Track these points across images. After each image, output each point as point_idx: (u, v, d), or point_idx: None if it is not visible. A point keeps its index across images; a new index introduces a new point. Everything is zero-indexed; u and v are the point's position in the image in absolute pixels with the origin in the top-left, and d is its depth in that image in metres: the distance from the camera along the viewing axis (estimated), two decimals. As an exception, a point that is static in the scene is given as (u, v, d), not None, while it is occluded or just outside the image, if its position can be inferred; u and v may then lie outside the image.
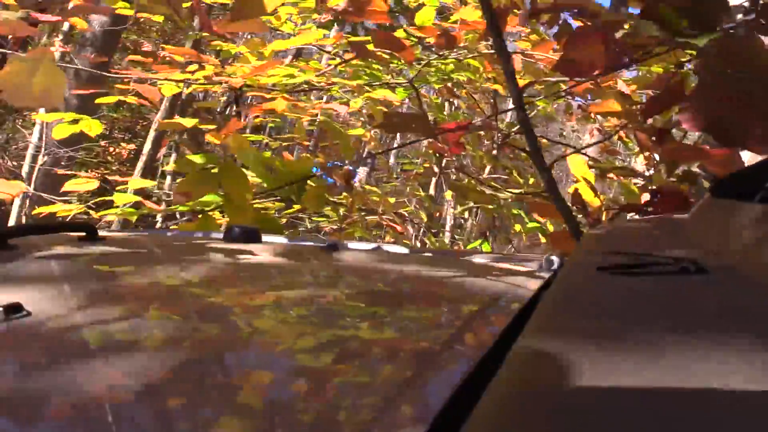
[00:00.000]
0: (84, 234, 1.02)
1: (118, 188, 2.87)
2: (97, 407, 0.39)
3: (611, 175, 3.04)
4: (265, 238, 1.18)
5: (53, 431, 0.37)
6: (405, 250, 1.37)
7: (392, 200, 3.34)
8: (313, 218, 3.98)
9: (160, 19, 3.00)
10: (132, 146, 8.26)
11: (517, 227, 3.28)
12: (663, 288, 0.53)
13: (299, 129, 2.53)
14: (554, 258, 0.85)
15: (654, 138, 2.35)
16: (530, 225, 3.37)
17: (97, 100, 2.94)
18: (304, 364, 0.48)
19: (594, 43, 1.77)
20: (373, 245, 1.26)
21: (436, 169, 3.91)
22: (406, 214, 3.28)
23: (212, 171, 1.94)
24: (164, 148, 5.21)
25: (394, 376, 0.45)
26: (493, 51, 3.00)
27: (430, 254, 1.36)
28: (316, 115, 2.64)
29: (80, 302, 0.64)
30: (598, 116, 4.94)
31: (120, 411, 0.39)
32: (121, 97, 2.68)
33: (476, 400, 0.33)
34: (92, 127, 2.45)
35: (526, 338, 0.43)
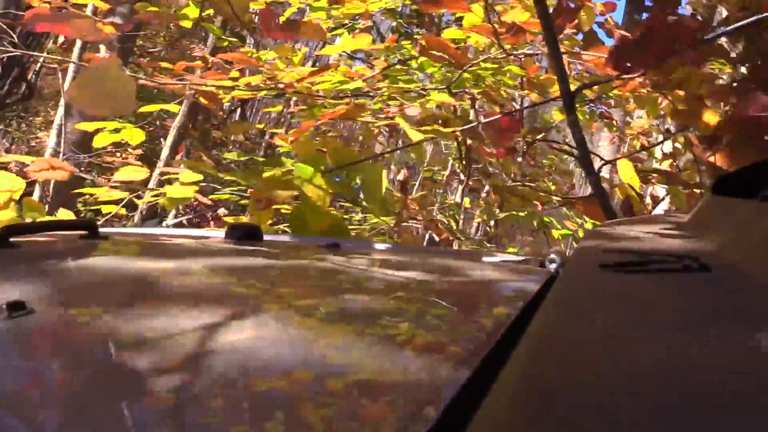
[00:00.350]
0: (86, 232, 1.02)
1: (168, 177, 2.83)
2: (100, 404, 0.39)
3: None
4: (266, 237, 1.17)
5: (55, 429, 0.36)
6: (407, 249, 1.36)
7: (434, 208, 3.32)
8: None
9: (188, 24, 2.95)
10: (139, 151, 8.17)
11: (555, 233, 3.27)
12: (666, 286, 0.53)
13: (367, 133, 2.47)
14: (555, 256, 0.85)
15: (706, 143, 2.33)
16: (562, 231, 3.35)
17: (141, 109, 2.88)
18: (304, 361, 0.47)
19: (666, 31, 1.75)
20: (376, 244, 1.23)
21: (462, 177, 3.88)
22: (446, 221, 3.25)
23: (283, 175, 1.91)
24: (181, 153, 5.15)
25: (396, 374, 0.44)
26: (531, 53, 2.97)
27: (432, 253, 1.35)
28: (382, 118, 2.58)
29: (83, 300, 0.64)
30: (619, 123, 4.94)
31: (127, 408, 0.38)
32: (164, 106, 2.63)
33: (480, 399, 0.33)
34: (134, 135, 2.41)
35: (532, 336, 0.42)
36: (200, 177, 2.35)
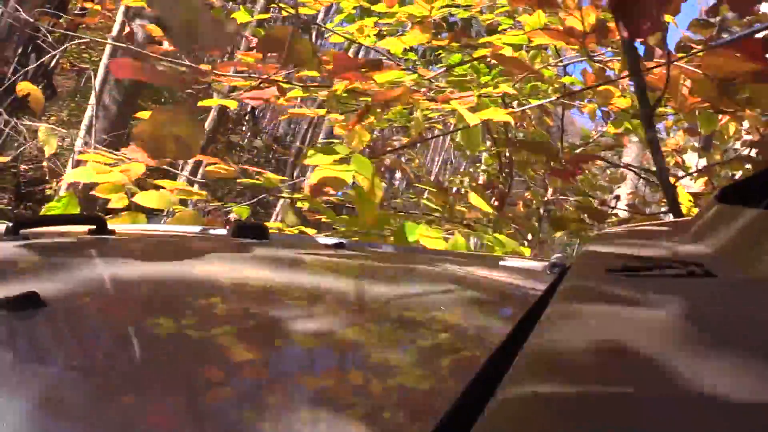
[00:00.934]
0: (94, 227, 1.04)
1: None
2: (112, 398, 0.39)
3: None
4: (272, 236, 1.17)
5: (66, 422, 0.36)
6: (409, 250, 1.35)
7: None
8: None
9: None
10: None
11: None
12: (672, 291, 0.53)
13: (417, 124, 2.39)
14: (560, 260, 0.84)
15: None
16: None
17: (200, 103, 2.80)
18: (304, 361, 0.47)
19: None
20: (378, 245, 1.26)
21: (500, 188, 3.81)
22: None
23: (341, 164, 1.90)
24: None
25: (398, 377, 0.44)
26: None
27: (437, 255, 1.35)
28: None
29: (93, 292, 0.66)
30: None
31: (140, 401, 0.38)
32: (222, 101, 2.56)
33: (484, 402, 0.32)
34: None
35: (538, 339, 0.42)
36: (284, 179, 2.28)
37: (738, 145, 4.18)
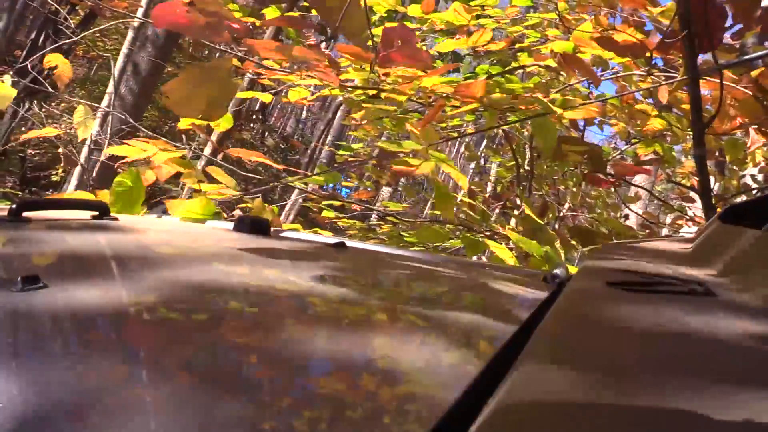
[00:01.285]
0: (96, 212, 1.05)
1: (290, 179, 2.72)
2: (111, 382, 0.39)
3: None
4: (274, 231, 1.16)
5: (60, 407, 0.35)
6: (410, 254, 1.34)
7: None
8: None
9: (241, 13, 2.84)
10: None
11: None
12: (673, 309, 0.53)
13: (490, 119, 2.35)
14: (559, 272, 0.84)
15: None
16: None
17: (238, 95, 2.76)
18: (298, 364, 0.47)
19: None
20: (380, 247, 1.27)
21: (518, 202, 3.78)
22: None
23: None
24: (222, 153, 5.04)
25: (390, 386, 0.43)
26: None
27: (436, 259, 1.34)
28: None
29: (94, 276, 0.65)
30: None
31: (135, 389, 0.38)
32: (256, 94, 2.52)
33: (477, 413, 0.32)
34: (223, 121, 2.30)
35: (534, 348, 0.42)
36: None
37: (756, 171, 4.17)
